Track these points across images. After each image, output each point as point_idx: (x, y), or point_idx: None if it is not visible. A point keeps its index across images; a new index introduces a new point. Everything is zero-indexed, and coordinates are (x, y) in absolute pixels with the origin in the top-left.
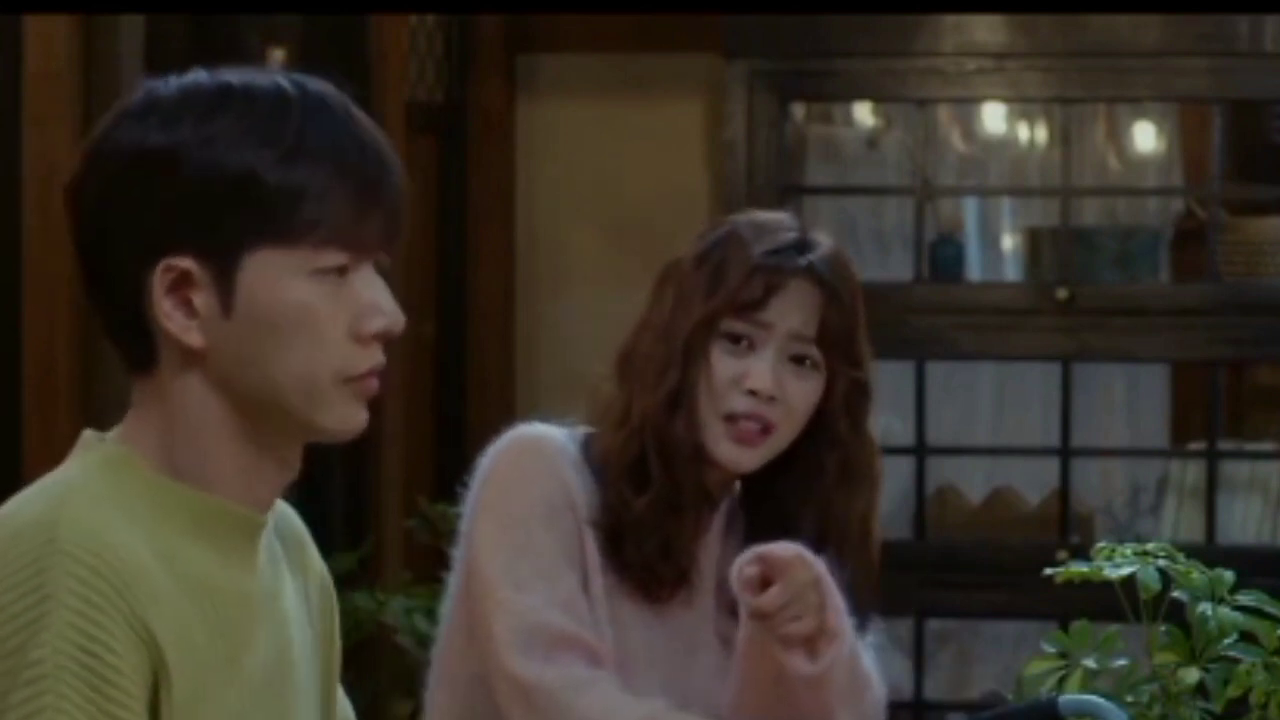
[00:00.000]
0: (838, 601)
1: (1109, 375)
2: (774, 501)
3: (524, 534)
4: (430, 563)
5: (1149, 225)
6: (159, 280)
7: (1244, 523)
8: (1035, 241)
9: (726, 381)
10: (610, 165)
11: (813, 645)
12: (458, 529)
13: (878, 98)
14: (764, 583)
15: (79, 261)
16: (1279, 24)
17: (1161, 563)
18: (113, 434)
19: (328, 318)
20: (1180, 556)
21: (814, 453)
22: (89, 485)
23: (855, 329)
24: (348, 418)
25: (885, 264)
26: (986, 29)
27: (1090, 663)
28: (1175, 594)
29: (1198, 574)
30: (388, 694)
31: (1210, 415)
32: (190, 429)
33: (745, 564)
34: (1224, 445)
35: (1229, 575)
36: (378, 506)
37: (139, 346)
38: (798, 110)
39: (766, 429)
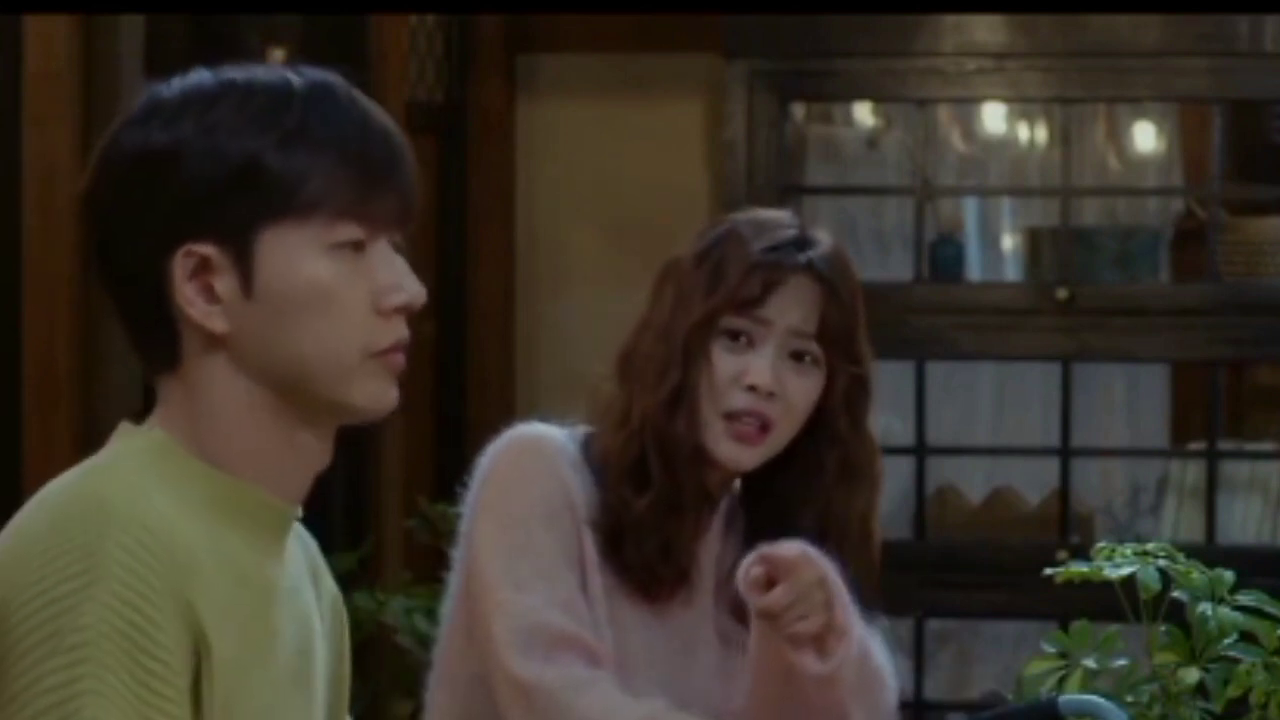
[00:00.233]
0: (845, 599)
1: (1109, 375)
2: (774, 500)
3: (523, 534)
4: (430, 563)
5: (1149, 225)
6: (179, 267)
7: (1244, 523)
8: (1035, 241)
9: (727, 379)
10: (610, 165)
11: (822, 643)
12: (457, 529)
13: (878, 98)
14: (769, 583)
15: (97, 265)
16: (1279, 24)
17: (1161, 563)
18: (146, 425)
19: (348, 292)
20: (1180, 556)
21: (814, 450)
22: (137, 465)
23: (855, 326)
24: (378, 394)
25: (885, 264)
26: (986, 29)
27: (1090, 663)
28: (1175, 594)
29: (1198, 574)
30: (388, 694)
31: (1210, 415)
32: (220, 418)
33: (750, 564)
34: (1224, 445)
35: (1229, 575)
36: (378, 506)
37: (163, 343)
38: (798, 110)
39: (765, 427)
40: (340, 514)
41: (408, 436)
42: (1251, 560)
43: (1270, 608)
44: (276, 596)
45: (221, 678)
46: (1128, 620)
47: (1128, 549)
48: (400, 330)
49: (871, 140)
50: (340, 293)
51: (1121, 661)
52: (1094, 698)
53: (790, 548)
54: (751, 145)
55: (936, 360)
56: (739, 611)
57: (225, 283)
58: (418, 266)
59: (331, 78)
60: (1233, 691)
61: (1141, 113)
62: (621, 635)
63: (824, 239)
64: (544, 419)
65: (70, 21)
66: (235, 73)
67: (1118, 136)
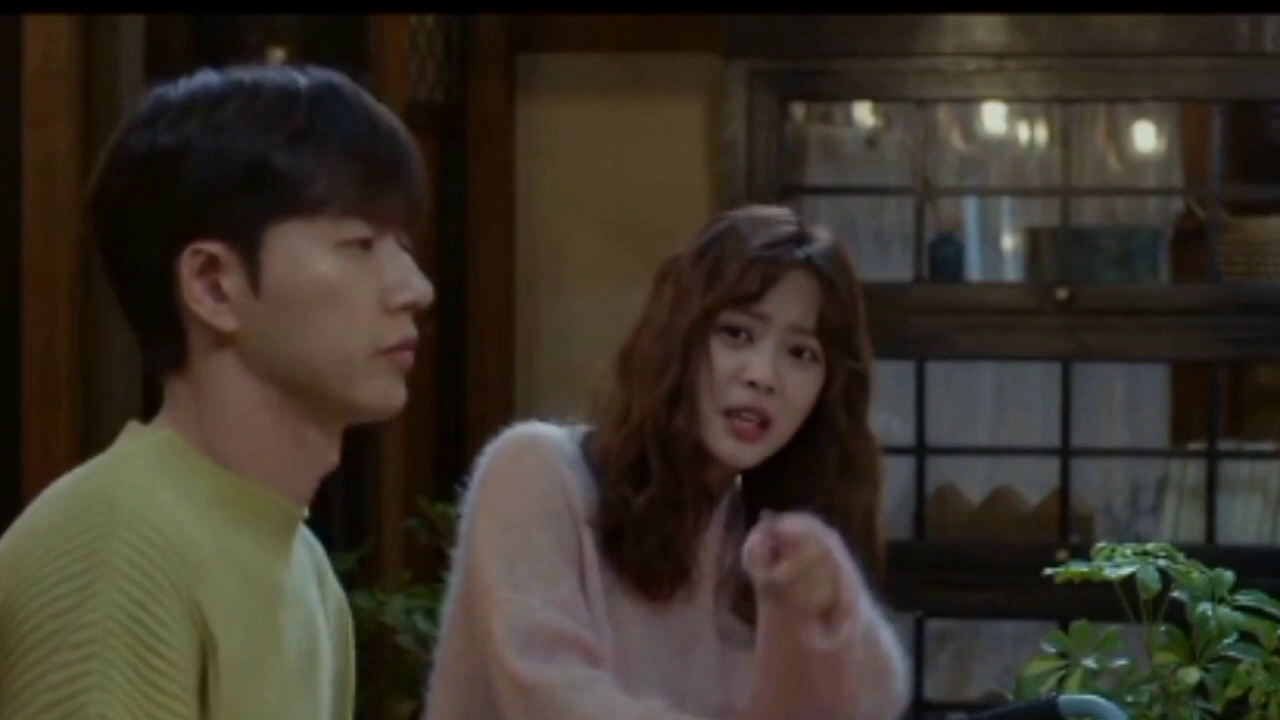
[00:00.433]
0: (852, 577)
1: (1109, 375)
2: (774, 496)
3: (521, 535)
4: (430, 563)
5: (1149, 225)
6: (187, 265)
7: (1244, 523)
8: (1035, 241)
9: (726, 375)
10: (610, 165)
11: (829, 619)
12: (458, 529)
13: (878, 98)
14: (775, 559)
15: (105, 264)
16: (1279, 24)
17: (1161, 563)
18: (154, 424)
19: (355, 290)
20: (1180, 556)
21: (814, 447)
22: (144, 464)
23: (854, 321)
24: (386, 392)
25: (885, 264)
26: (986, 29)
27: (1090, 663)
28: (1175, 594)
29: (1198, 574)
30: (388, 694)
31: (1210, 415)
32: (228, 417)
33: (755, 539)
34: (1224, 445)
35: (1229, 575)
36: (378, 506)
37: (170, 341)
38: (798, 110)
39: (765, 423)
40: (340, 514)
41: (408, 436)
42: (1251, 560)
43: (1270, 608)
44: (283, 596)
45: (228, 677)
46: (1128, 620)
47: (1128, 549)
48: (408, 328)
49: (871, 140)
50: (348, 290)
51: (1121, 661)
52: (1094, 698)
53: (796, 522)
54: (751, 145)
55: (936, 360)
56: (740, 609)
57: (233, 281)
58: (417, 266)
59: (338, 78)
60: (1233, 691)
61: (1141, 113)
62: (620, 633)
63: (823, 235)
64: (544, 418)
65: (70, 21)
66: (242, 73)
67: (1118, 136)
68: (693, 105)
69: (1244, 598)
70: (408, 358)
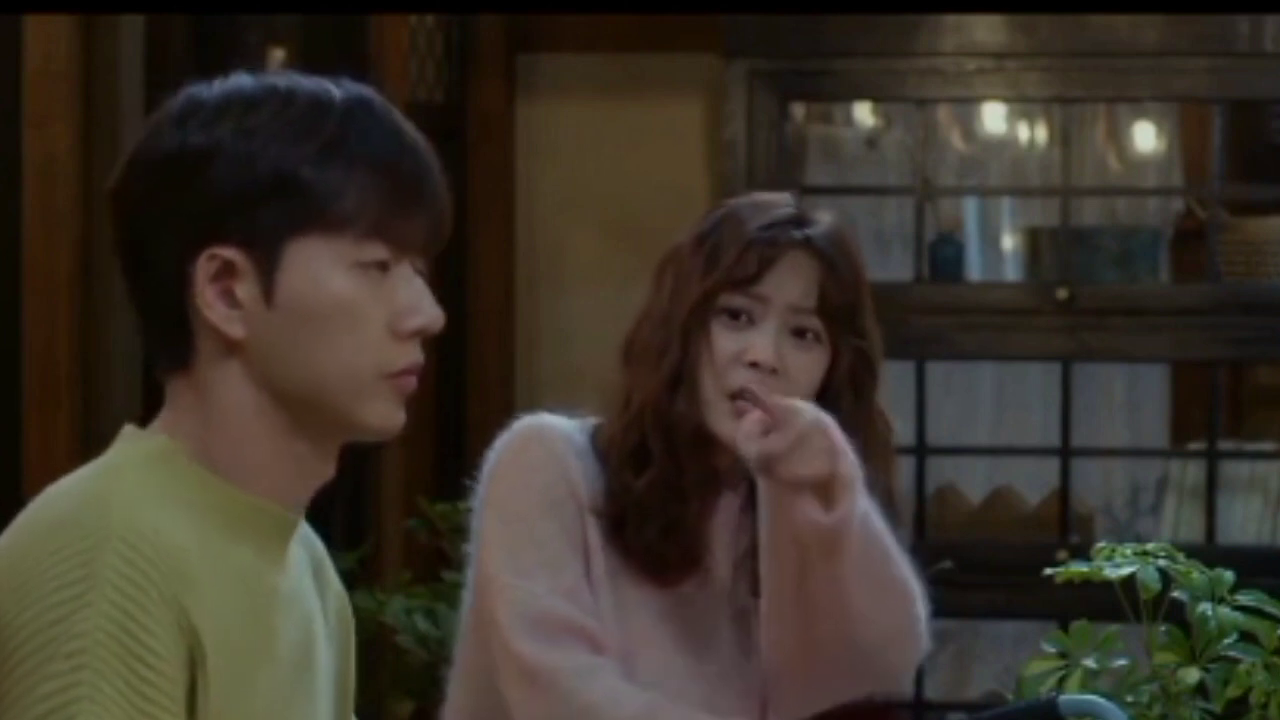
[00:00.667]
0: (850, 455)
1: (1109, 375)
2: None
3: (525, 527)
4: (430, 563)
5: (1149, 225)
6: (202, 269)
7: (1244, 523)
8: (1035, 241)
9: (728, 357)
10: (610, 165)
11: (827, 492)
12: (464, 526)
13: (877, 98)
14: (767, 433)
15: (121, 260)
16: (1279, 24)
17: (1161, 563)
18: (150, 429)
19: (368, 312)
20: (1180, 556)
21: None
22: (137, 473)
23: (857, 301)
24: (387, 415)
25: (885, 264)
26: (986, 29)
27: (1090, 663)
28: (1175, 594)
29: (1198, 574)
30: (388, 694)
31: (1210, 415)
32: (228, 424)
33: (746, 417)
34: (1224, 445)
35: (1229, 575)
36: (378, 506)
37: (177, 342)
38: (798, 110)
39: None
40: (340, 514)
41: (408, 436)
42: (1251, 560)
43: (1270, 608)
44: (277, 601)
45: (217, 685)
46: (1128, 620)
47: (1128, 549)
48: (415, 354)
49: (871, 140)
50: (361, 311)
51: (1121, 661)
52: (1094, 698)
53: (786, 398)
54: (751, 145)
55: (936, 360)
56: (759, 589)
57: (247, 289)
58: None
59: (369, 93)
60: (1233, 691)
61: (1141, 113)
62: (626, 618)
63: (824, 218)
64: (551, 413)
65: (70, 21)
66: (277, 78)
67: (1118, 136)
68: (693, 105)
69: (1244, 598)
70: (411, 383)
